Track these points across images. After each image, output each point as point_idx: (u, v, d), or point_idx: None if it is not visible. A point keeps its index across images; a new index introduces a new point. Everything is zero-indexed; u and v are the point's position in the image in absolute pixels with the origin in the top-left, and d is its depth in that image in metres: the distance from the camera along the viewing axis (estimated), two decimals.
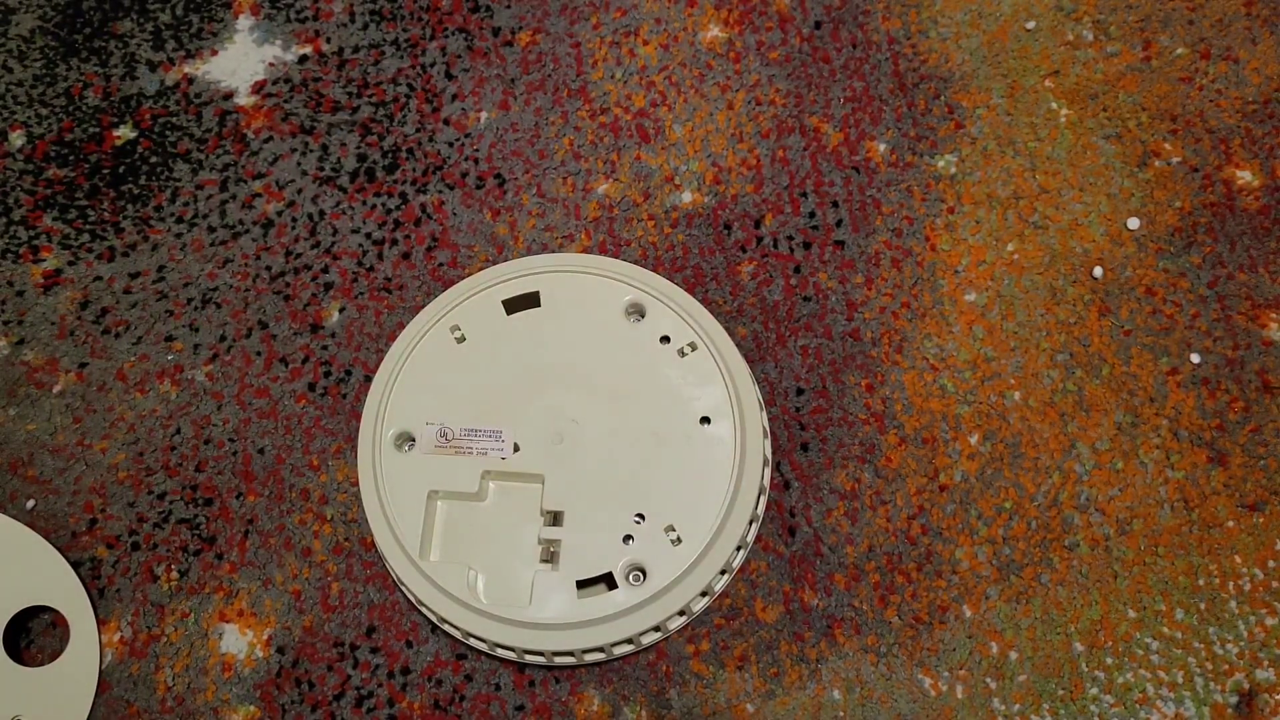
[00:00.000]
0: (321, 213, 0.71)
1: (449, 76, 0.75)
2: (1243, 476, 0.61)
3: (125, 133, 0.75)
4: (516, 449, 0.59)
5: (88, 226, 0.72)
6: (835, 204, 0.69)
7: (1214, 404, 0.63)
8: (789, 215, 0.69)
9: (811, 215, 0.69)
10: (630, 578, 0.56)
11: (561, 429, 0.59)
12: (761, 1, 0.75)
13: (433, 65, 0.75)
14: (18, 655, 0.61)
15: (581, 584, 0.56)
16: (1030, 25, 0.73)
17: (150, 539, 0.64)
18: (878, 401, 0.64)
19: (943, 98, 0.71)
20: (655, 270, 0.67)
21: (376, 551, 0.62)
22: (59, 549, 0.63)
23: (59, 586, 0.62)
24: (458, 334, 0.62)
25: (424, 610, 0.59)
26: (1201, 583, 0.59)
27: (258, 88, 0.75)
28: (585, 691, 0.59)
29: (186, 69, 0.76)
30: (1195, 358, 0.64)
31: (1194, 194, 0.67)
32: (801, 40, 0.74)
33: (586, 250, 0.69)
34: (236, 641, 0.61)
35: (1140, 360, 0.64)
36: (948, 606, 0.60)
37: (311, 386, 0.67)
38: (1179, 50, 0.71)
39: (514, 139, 0.72)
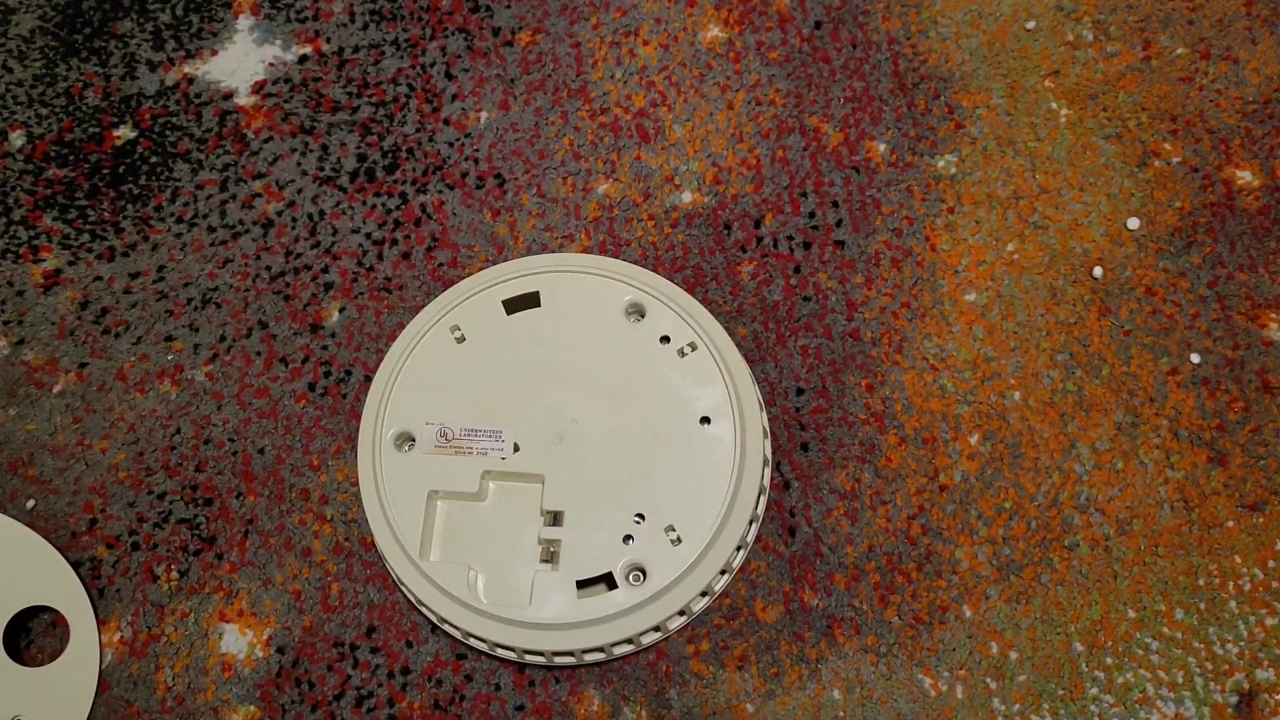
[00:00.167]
0: (321, 213, 0.71)
1: (449, 76, 0.75)
2: (1243, 476, 0.61)
3: (125, 133, 0.75)
4: (516, 449, 0.59)
5: (88, 226, 0.72)
6: (835, 204, 0.69)
7: (1214, 404, 0.63)
8: (789, 215, 0.69)
9: (811, 215, 0.69)
10: (630, 578, 0.56)
11: (561, 429, 0.59)
12: (761, 1, 0.75)
13: (433, 65, 0.75)
14: (18, 655, 0.61)
15: (581, 584, 0.56)
16: (1030, 25, 0.73)
17: (150, 539, 0.64)
18: (878, 401, 0.64)
19: (943, 98, 0.71)
20: (655, 270, 0.67)
21: (376, 551, 0.62)
22: (59, 549, 0.63)
23: (59, 586, 0.62)
24: (458, 334, 0.62)
25: (424, 610, 0.59)
26: (1201, 583, 0.59)
27: (258, 88, 0.75)
28: (585, 691, 0.59)
29: (186, 69, 0.76)
30: (1195, 358, 0.64)
31: (1194, 194, 0.67)
32: (801, 40, 0.74)
33: (586, 250, 0.69)
34: (236, 641, 0.61)
35: (1140, 360, 0.64)
36: (948, 606, 0.60)
37: (311, 386, 0.67)
38: (1179, 50, 0.71)
39: (514, 139, 0.73)
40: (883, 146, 0.70)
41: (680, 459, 0.58)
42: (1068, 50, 0.72)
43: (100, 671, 0.61)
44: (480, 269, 0.68)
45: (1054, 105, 0.70)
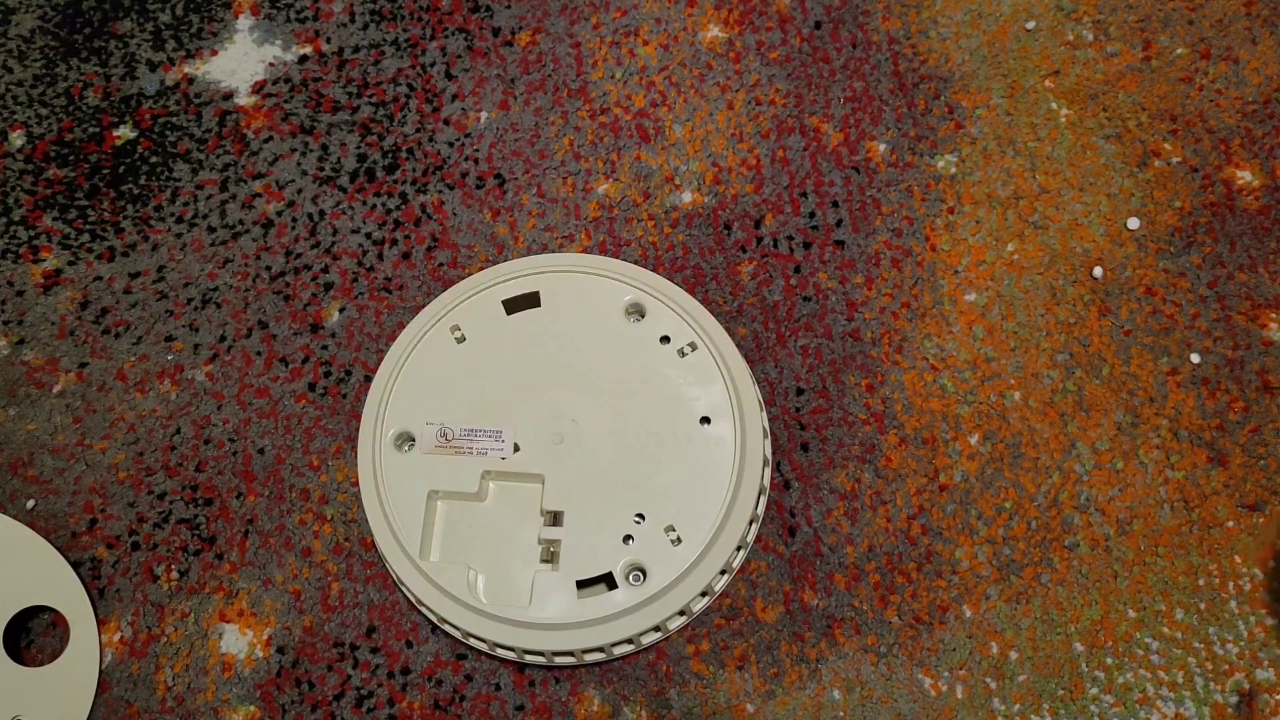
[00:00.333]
0: (321, 213, 0.71)
1: (449, 76, 0.75)
2: (1243, 476, 0.61)
3: (125, 133, 0.75)
4: (516, 449, 0.59)
5: (88, 226, 0.72)
6: (835, 204, 0.69)
7: (1214, 404, 0.63)
8: (789, 215, 0.69)
9: (811, 215, 0.69)
10: (630, 578, 0.56)
11: (561, 429, 0.59)
12: (761, 1, 0.75)
13: (433, 65, 0.75)
14: (18, 655, 0.61)
15: (581, 584, 0.56)
16: (1030, 25, 0.73)
17: (150, 539, 0.64)
18: (878, 401, 0.64)
19: (943, 98, 0.71)
20: (655, 270, 0.67)
21: (376, 551, 0.62)
22: (59, 549, 0.63)
23: (59, 586, 0.62)
24: (458, 334, 0.62)
25: (424, 610, 0.59)
26: (1201, 583, 0.59)
27: (258, 88, 0.75)
28: (585, 691, 0.59)
29: (186, 69, 0.76)
30: (1195, 358, 0.64)
31: (1194, 194, 0.67)
32: (801, 40, 0.74)
33: (586, 250, 0.69)
34: (236, 641, 0.61)
35: (1140, 360, 0.64)
36: (948, 606, 0.60)
37: (311, 386, 0.67)
38: (1179, 50, 0.71)
39: (514, 139, 0.73)
40: (883, 146, 0.70)
41: (680, 459, 0.58)
42: (1068, 50, 0.72)
43: (100, 671, 0.61)
44: (480, 269, 0.68)
45: (1054, 105, 0.70)
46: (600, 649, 0.57)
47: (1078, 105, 0.70)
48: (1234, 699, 0.57)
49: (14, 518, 0.64)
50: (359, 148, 0.73)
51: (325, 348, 0.68)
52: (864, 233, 0.68)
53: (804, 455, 0.63)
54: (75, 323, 0.69)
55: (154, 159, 0.74)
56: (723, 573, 0.59)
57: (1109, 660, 0.58)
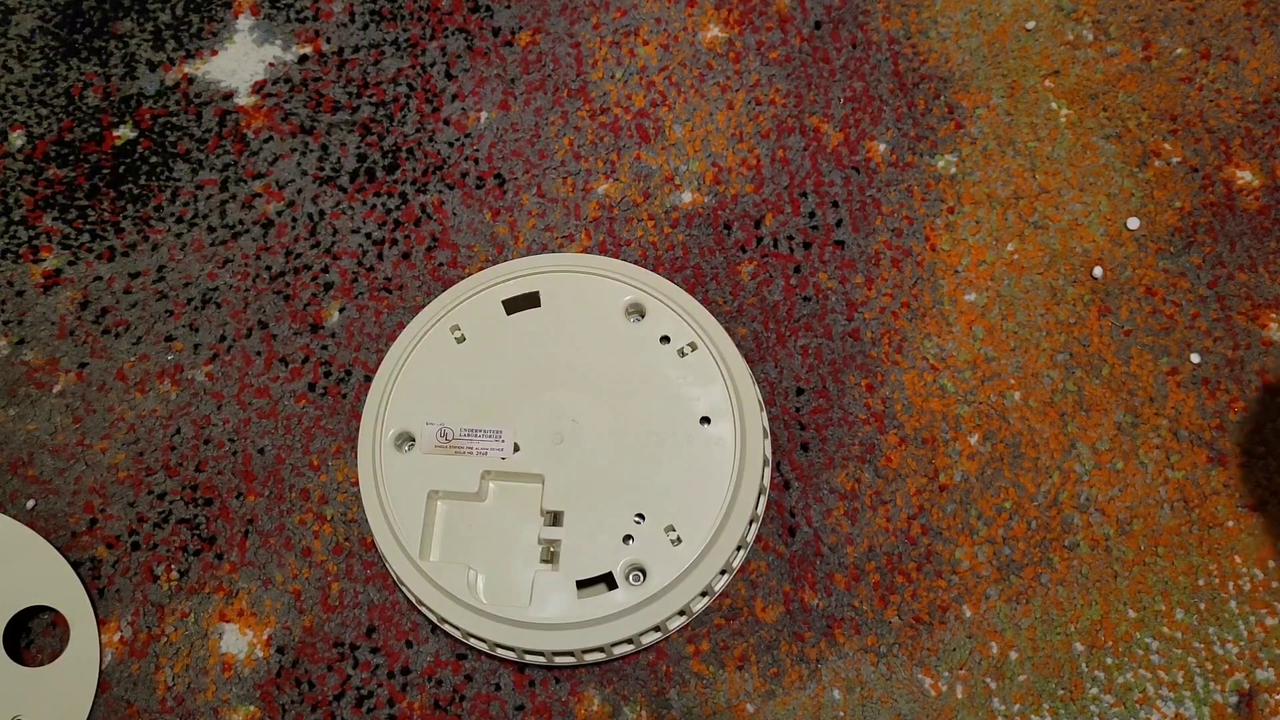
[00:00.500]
0: (321, 213, 0.71)
1: (449, 76, 0.75)
2: (1243, 476, 0.61)
3: (125, 133, 0.75)
4: (516, 449, 0.59)
5: (88, 226, 0.72)
6: (835, 204, 0.69)
7: (1214, 404, 0.63)
8: (789, 215, 0.69)
9: (811, 215, 0.69)
10: (630, 578, 0.56)
11: (561, 429, 0.59)
12: (761, 1, 0.75)
13: (433, 65, 0.75)
14: (18, 655, 0.61)
15: (581, 584, 0.56)
16: (1030, 25, 0.73)
17: (150, 539, 0.64)
18: (878, 401, 0.64)
19: (943, 98, 0.71)
20: (655, 270, 0.67)
21: (376, 551, 0.62)
22: (59, 549, 0.63)
23: (59, 586, 0.62)
24: (458, 334, 0.62)
25: (424, 610, 0.59)
26: (1201, 583, 0.59)
27: (258, 88, 0.75)
28: (585, 691, 0.59)
29: (186, 69, 0.76)
30: (1195, 358, 0.64)
31: (1194, 194, 0.67)
32: (801, 40, 0.74)
33: (586, 250, 0.69)
34: (236, 641, 0.61)
35: (1140, 360, 0.64)
36: (948, 606, 0.60)
37: (311, 386, 0.67)
38: (1179, 50, 0.71)
39: (514, 139, 0.72)
40: (883, 146, 0.70)
41: (680, 459, 0.58)
42: (1068, 50, 0.72)
43: (100, 671, 0.61)
44: (480, 269, 0.68)
45: (1054, 105, 0.70)
46: (600, 649, 0.57)
47: (1078, 105, 0.70)
48: (1234, 699, 0.57)
49: (14, 518, 0.64)
50: (359, 148, 0.73)
51: (325, 348, 0.68)
52: (864, 233, 0.68)
53: (804, 455, 0.63)
54: (75, 323, 0.69)
55: (154, 159, 0.74)
56: (723, 573, 0.59)
57: (1109, 660, 0.58)
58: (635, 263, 0.67)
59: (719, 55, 0.74)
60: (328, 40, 0.77)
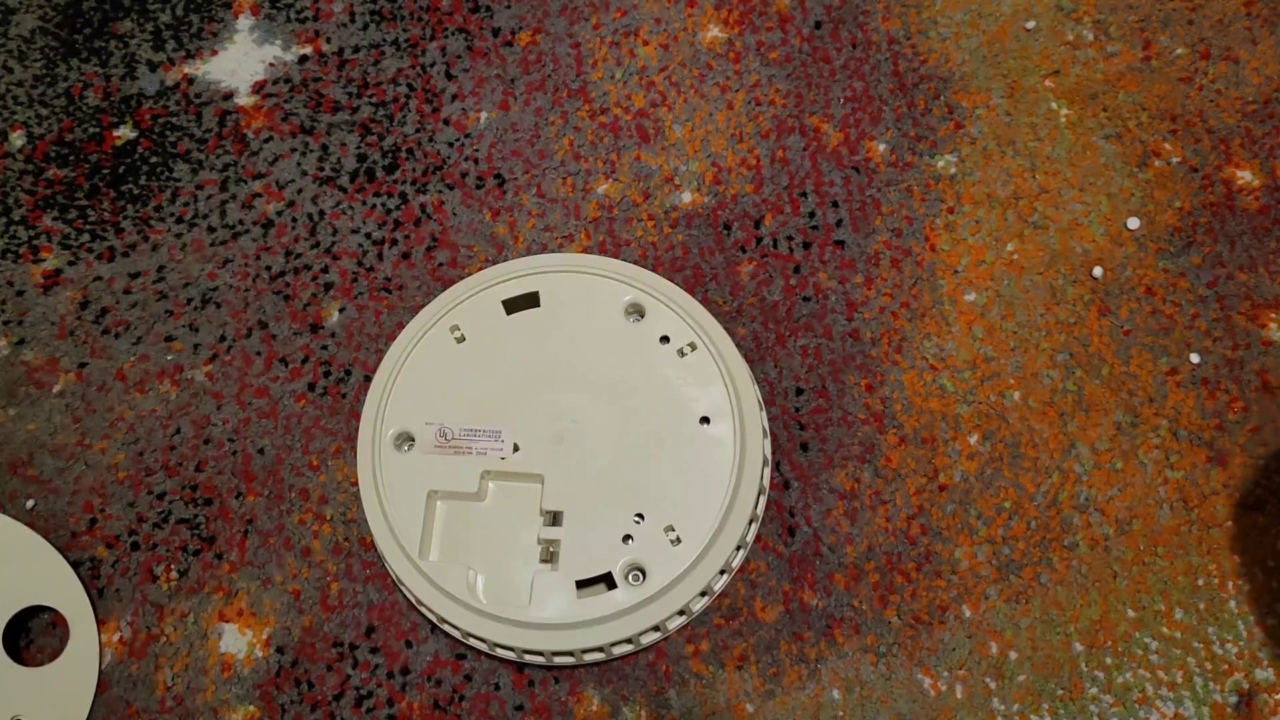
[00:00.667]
0: (321, 213, 0.71)
1: (449, 76, 0.75)
2: (1243, 476, 0.61)
3: (125, 133, 0.75)
4: (516, 449, 0.59)
5: (88, 226, 0.72)
6: (835, 204, 0.69)
7: (1214, 404, 0.63)
8: (789, 215, 0.69)
9: (811, 215, 0.69)
10: (630, 578, 0.56)
11: (561, 429, 0.59)
12: (761, 1, 0.75)
13: (433, 65, 0.75)
14: (18, 655, 0.61)
15: (581, 584, 0.56)
16: (1030, 25, 0.73)
17: (150, 539, 0.64)
18: (877, 401, 0.64)
19: (943, 98, 0.71)
20: (655, 270, 0.67)
21: (376, 551, 0.62)
22: (59, 549, 0.63)
23: (59, 586, 0.62)
24: (458, 334, 0.62)
25: (424, 610, 0.59)
26: (1201, 583, 0.59)
27: (258, 88, 0.75)
28: (585, 691, 0.59)
29: (186, 69, 0.77)
30: (1195, 358, 0.64)
31: (1194, 194, 0.67)
32: (801, 40, 0.74)
33: (586, 250, 0.69)
34: (236, 641, 0.61)
35: (1140, 360, 0.64)
36: (947, 606, 0.60)
37: (311, 386, 0.67)
38: (1179, 50, 0.71)
39: (514, 139, 0.73)
40: (883, 146, 0.70)
41: (680, 459, 0.58)
42: (1068, 50, 0.72)
43: (100, 671, 0.61)
44: (480, 269, 0.68)
45: (1054, 105, 0.70)
46: (600, 649, 0.57)
47: (1078, 105, 0.70)
48: (1234, 699, 0.57)
49: (14, 518, 0.64)
50: (359, 148, 0.73)
51: (325, 348, 0.68)
52: (864, 233, 0.68)
53: (804, 455, 0.63)
54: (75, 323, 0.69)
55: (154, 159, 0.74)
56: (722, 573, 0.59)
57: (1109, 660, 0.58)
58: (635, 263, 0.67)
59: (719, 55, 0.74)
60: (328, 40, 0.77)
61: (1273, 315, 0.64)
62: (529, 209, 0.70)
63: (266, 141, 0.74)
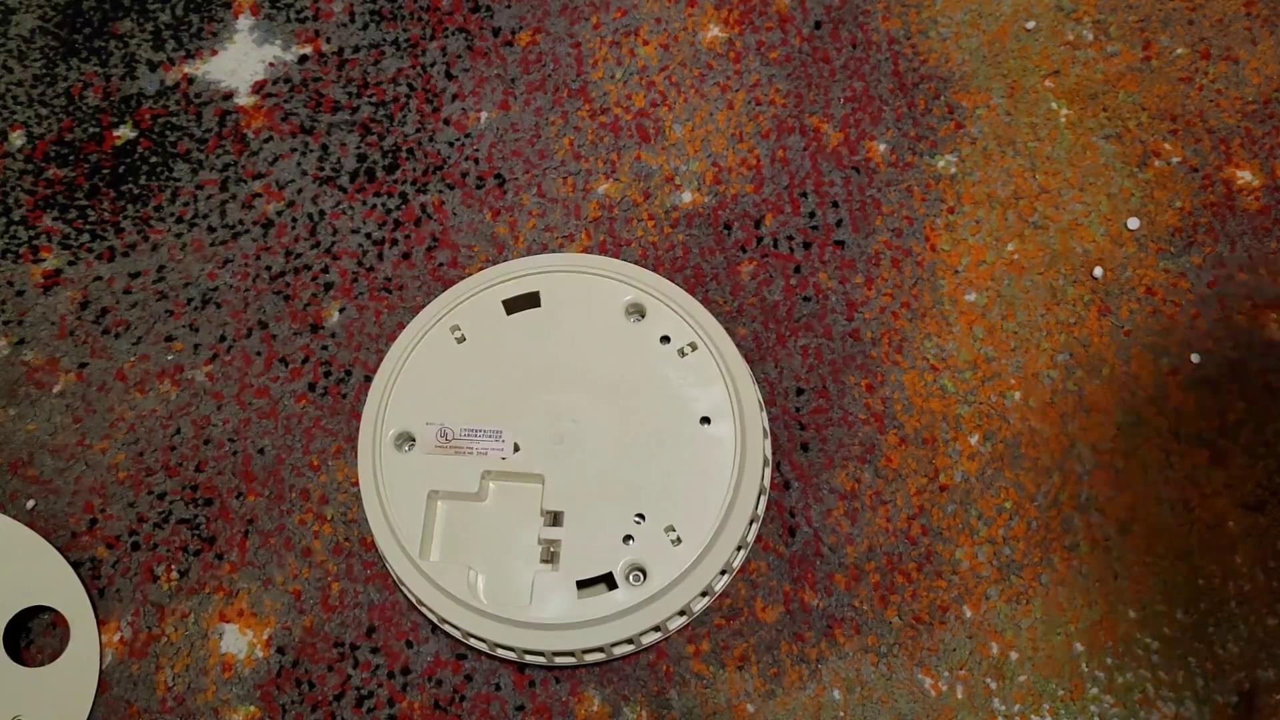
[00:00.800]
0: (321, 213, 0.71)
1: (449, 76, 0.75)
2: (1243, 476, 0.61)
3: (125, 133, 0.75)
4: (516, 449, 0.59)
5: (88, 226, 0.72)
6: (835, 204, 0.69)
7: (1214, 404, 0.63)
8: (789, 215, 0.69)
9: (811, 215, 0.69)
10: (630, 578, 0.56)
11: (561, 429, 0.59)
12: (761, 1, 0.75)
13: (433, 65, 0.75)
14: (18, 655, 0.61)
15: (581, 584, 0.56)
16: (1030, 25, 0.73)
17: (150, 539, 0.64)
18: (878, 401, 0.64)
19: (943, 98, 0.71)
20: (655, 270, 0.67)
21: (376, 551, 0.62)
22: (59, 549, 0.63)
23: (59, 586, 0.62)
24: (458, 334, 0.62)
25: (424, 610, 0.59)
26: (1201, 583, 0.59)
27: (258, 88, 0.75)
28: (585, 691, 0.59)
29: (186, 69, 0.76)
30: (1195, 358, 0.64)
31: (1194, 194, 0.67)
32: (801, 40, 0.74)
33: (586, 250, 0.69)
34: (236, 641, 0.61)
35: (1140, 360, 0.64)
36: (948, 606, 0.60)
37: (311, 386, 0.67)
38: (1179, 50, 0.71)
39: (514, 139, 0.72)
40: (883, 146, 0.70)
41: (680, 459, 0.58)
42: (1068, 50, 0.72)
43: (100, 671, 0.61)
44: (480, 269, 0.68)
45: (1054, 105, 0.70)
46: (600, 649, 0.57)
47: (1078, 105, 0.70)
48: (1234, 699, 0.57)
49: (14, 518, 0.64)
50: (359, 148, 0.73)
51: (325, 348, 0.68)
52: (864, 233, 0.68)
53: (804, 455, 0.63)
54: (75, 323, 0.69)
55: (154, 159, 0.74)
56: (723, 573, 0.58)
57: (1109, 660, 0.58)
58: (635, 263, 0.67)
59: (719, 55, 0.74)
60: (328, 40, 0.77)
61: (1273, 315, 0.64)
62: (529, 209, 0.70)
63: (266, 141, 0.74)
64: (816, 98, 0.72)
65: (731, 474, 0.58)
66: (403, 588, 0.60)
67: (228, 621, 0.62)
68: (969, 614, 0.59)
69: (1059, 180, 0.68)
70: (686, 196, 0.70)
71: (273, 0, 0.78)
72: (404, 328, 0.64)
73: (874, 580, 0.60)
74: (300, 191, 0.72)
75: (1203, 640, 0.58)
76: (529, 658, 0.58)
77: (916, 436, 0.63)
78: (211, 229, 0.71)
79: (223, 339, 0.68)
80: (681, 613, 0.58)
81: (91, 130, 0.75)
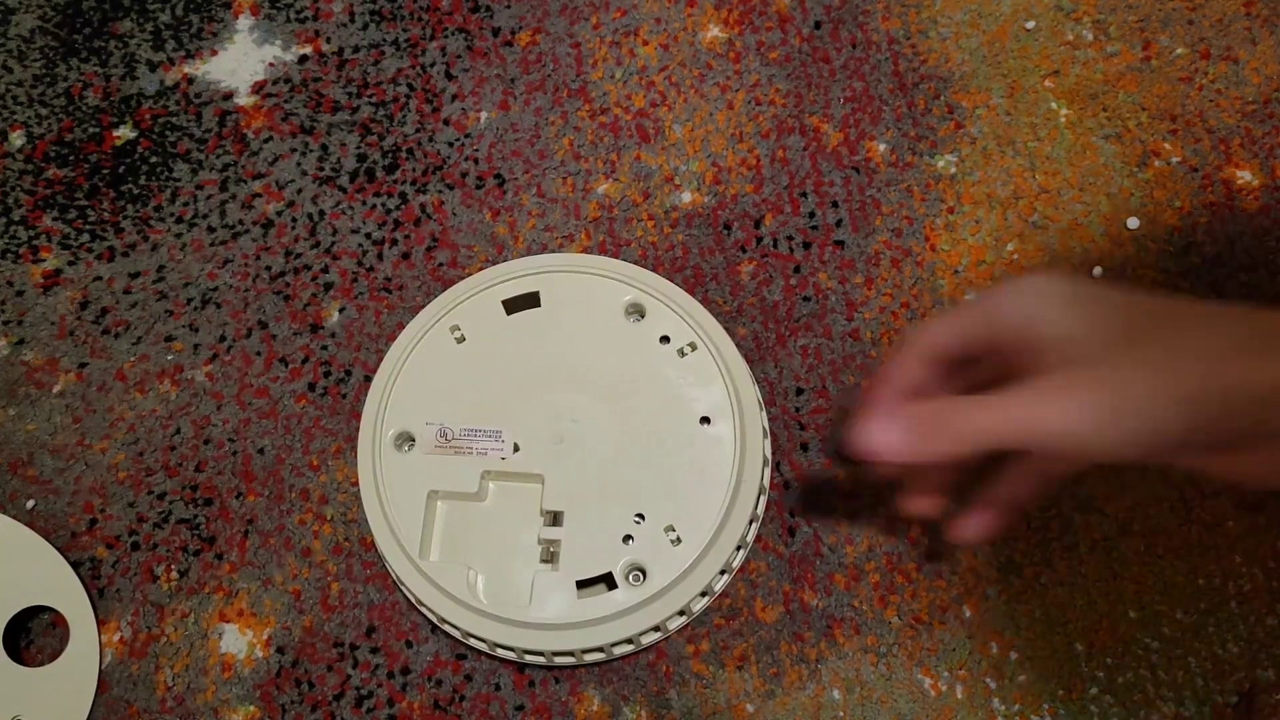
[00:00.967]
0: (321, 213, 0.71)
1: (449, 76, 0.75)
2: None
3: (125, 133, 0.75)
4: (516, 449, 0.59)
5: (88, 226, 0.72)
6: (835, 204, 0.69)
7: None
8: (789, 215, 0.69)
9: (811, 215, 0.69)
10: (630, 578, 0.56)
11: (561, 429, 0.59)
12: (761, 1, 0.75)
13: (433, 65, 0.75)
14: (18, 655, 0.61)
15: (581, 584, 0.56)
16: (1030, 25, 0.73)
17: (150, 539, 0.64)
18: None
19: (943, 98, 0.71)
20: (655, 270, 0.67)
21: (376, 551, 0.62)
22: (59, 549, 0.63)
23: (59, 586, 0.62)
24: (458, 334, 0.62)
25: (424, 610, 0.59)
26: (1201, 583, 0.59)
27: (258, 88, 0.75)
28: (585, 691, 0.59)
29: (186, 69, 0.77)
30: None
31: (1194, 194, 0.67)
32: (801, 40, 0.74)
33: (586, 250, 0.69)
34: (236, 641, 0.61)
35: None
36: (948, 606, 0.60)
37: (311, 386, 0.67)
38: (1179, 50, 0.71)
39: (514, 139, 0.72)
40: (883, 146, 0.70)
41: (680, 459, 0.58)
42: (1068, 50, 0.72)
43: (100, 671, 0.61)
44: (480, 269, 0.68)
45: (1054, 105, 0.70)
46: (600, 649, 0.57)
47: (1078, 105, 0.70)
48: (1234, 699, 0.57)
49: (14, 518, 0.64)
50: (359, 148, 0.73)
51: (325, 348, 0.68)
52: (864, 233, 0.68)
53: (804, 455, 0.63)
54: (75, 323, 0.69)
55: (154, 159, 0.74)
56: (723, 573, 0.59)
57: (1109, 660, 0.58)
58: (635, 263, 0.67)
59: (719, 55, 0.74)
60: (328, 40, 0.77)
61: None
62: (529, 209, 0.70)
63: (266, 141, 0.74)
64: (816, 98, 0.72)
65: (731, 474, 0.58)
66: (402, 588, 0.60)
67: (227, 621, 0.62)
68: (969, 614, 0.59)
69: (1059, 180, 0.68)
70: (686, 196, 0.70)
71: (273, 0, 0.78)
72: (404, 328, 0.64)
73: (874, 580, 0.60)
74: (300, 191, 0.72)
75: (1203, 640, 0.58)
76: (529, 658, 0.58)
77: None
78: (211, 229, 0.71)
79: (223, 339, 0.68)
80: (681, 613, 0.58)
81: (91, 130, 0.75)
